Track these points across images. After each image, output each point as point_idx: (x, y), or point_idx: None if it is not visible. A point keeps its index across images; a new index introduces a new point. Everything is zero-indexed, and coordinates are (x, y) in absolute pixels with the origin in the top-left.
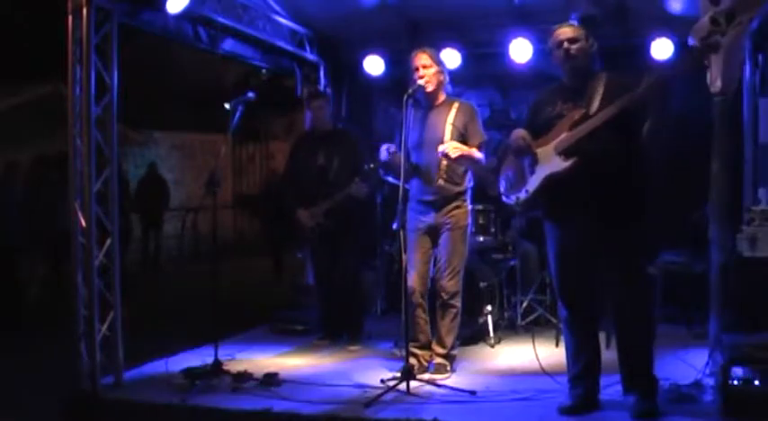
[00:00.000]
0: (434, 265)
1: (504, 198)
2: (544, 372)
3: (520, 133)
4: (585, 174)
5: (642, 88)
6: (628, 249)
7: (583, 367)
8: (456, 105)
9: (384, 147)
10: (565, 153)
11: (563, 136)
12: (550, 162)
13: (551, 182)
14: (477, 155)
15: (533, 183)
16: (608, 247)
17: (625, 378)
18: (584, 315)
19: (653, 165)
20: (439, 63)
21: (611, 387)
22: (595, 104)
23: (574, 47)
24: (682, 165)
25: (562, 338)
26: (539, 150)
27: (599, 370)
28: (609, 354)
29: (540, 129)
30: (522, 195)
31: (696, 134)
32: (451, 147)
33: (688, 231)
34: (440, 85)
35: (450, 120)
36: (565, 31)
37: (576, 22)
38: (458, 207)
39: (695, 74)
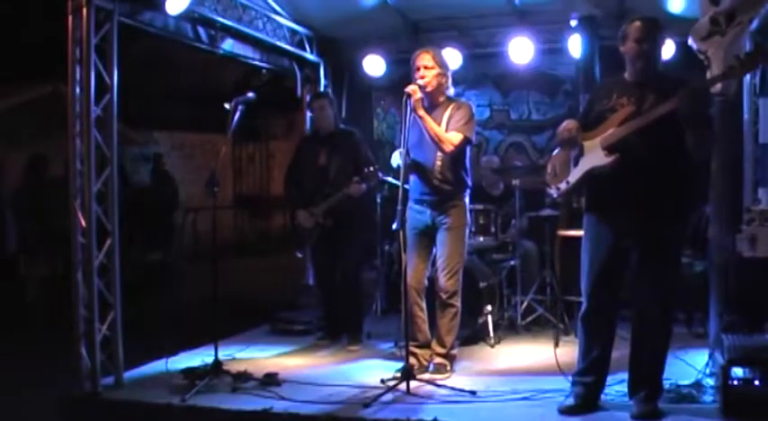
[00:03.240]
0: (433, 265)
1: (547, 188)
2: (560, 371)
3: (569, 125)
4: (627, 171)
5: (675, 100)
6: (660, 250)
7: (592, 362)
8: (453, 105)
9: (398, 152)
10: (609, 149)
11: (610, 131)
12: (594, 156)
13: (593, 175)
14: (442, 133)
15: (575, 174)
16: (642, 247)
17: (632, 377)
18: (604, 312)
19: (699, 171)
20: (442, 65)
21: (611, 387)
22: (648, 103)
23: (652, 46)
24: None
25: (563, 338)
26: (586, 143)
27: (607, 366)
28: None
29: (594, 121)
30: (563, 186)
31: None
32: (415, 94)
33: (688, 231)
34: (439, 87)
35: (445, 119)
36: (647, 26)
37: (656, 19)
38: (455, 206)
39: (696, 72)
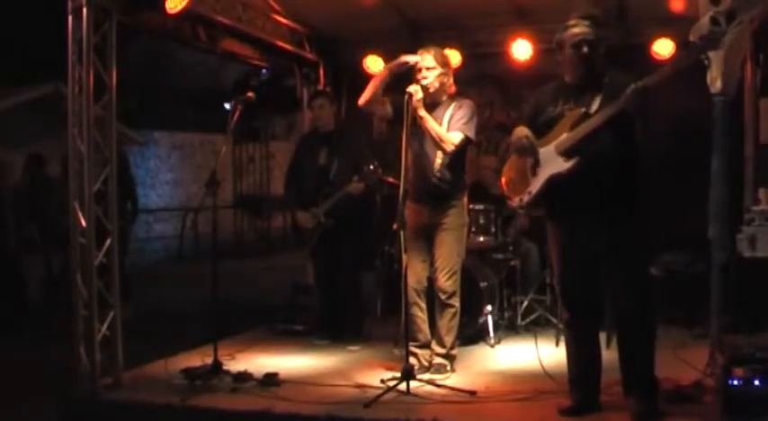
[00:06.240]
0: (432, 265)
1: (507, 200)
2: (546, 373)
3: (522, 132)
4: (587, 174)
5: (622, 100)
6: (629, 249)
7: (583, 369)
8: (454, 104)
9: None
10: (566, 153)
11: (564, 136)
12: (552, 163)
13: (553, 182)
14: (443, 133)
15: (536, 184)
16: (610, 247)
17: (625, 378)
18: (585, 317)
19: (652, 165)
20: (444, 64)
21: (611, 388)
22: (596, 104)
23: (592, 49)
24: (682, 164)
25: (562, 338)
26: (540, 150)
27: (599, 372)
28: (609, 355)
29: (542, 129)
30: (526, 197)
31: (696, 134)
32: (416, 95)
33: (688, 231)
34: (442, 86)
35: (446, 118)
36: (583, 32)
37: (589, 21)
38: (453, 206)
39: (695, 71)
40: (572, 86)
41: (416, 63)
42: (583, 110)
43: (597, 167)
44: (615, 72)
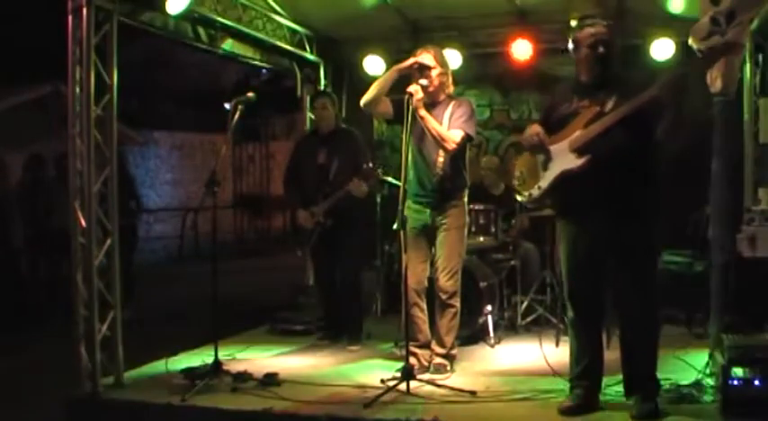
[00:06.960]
0: (432, 265)
1: (516, 195)
2: (553, 372)
3: (534, 129)
4: (599, 171)
5: (656, 87)
6: (637, 249)
7: (585, 368)
8: (454, 102)
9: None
10: (579, 150)
11: (577, 133)
12: (564, 159)
13: (565, 179)
14: (444, 131)
15: (546, 179)
16: (618, 246)
17: (627, 378)
18: (590, 316)
19: (665, 165)
20: (443, 64)
21: (611, 387)
22: (611, 103)
23: (608, 49)
24: (682, 165)
25: (562, 338)
26: (552, 147)
27: (601, 371)
28: (609, 355)
29: (555, 127)
30: (535, 192)
31: (696, 134)
32: (417, 94)
33: (688, 231)
34: (441, 85)
35: (446, 117)
36: (599, 31)
37: (605, 21)
38: (454, 206)
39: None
40: (587, 85)
41: (426, 64)
42: (598, 108)
43: (610, 165)
44: (629, 72)
